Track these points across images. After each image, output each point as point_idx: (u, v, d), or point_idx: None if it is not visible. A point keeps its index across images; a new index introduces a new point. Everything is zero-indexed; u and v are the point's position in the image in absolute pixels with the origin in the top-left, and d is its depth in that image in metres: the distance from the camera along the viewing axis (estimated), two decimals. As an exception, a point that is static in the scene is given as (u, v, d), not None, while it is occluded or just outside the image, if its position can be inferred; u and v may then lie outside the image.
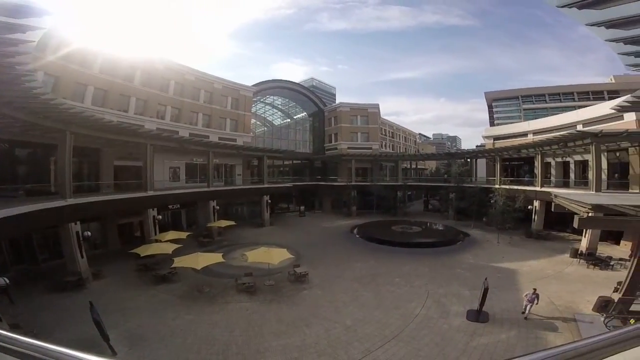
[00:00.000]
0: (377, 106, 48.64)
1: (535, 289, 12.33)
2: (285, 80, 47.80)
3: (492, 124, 67.42)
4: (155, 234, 21.40)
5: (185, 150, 27.52)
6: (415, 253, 22.31)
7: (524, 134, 35.90)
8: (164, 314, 12.76)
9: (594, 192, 19.97)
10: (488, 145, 40.98)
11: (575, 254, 19.95)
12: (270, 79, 46.72)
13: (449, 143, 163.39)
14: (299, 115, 51.87)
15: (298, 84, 50.42)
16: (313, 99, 50.20)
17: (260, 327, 11.80)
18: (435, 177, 51.39)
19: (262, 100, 46.96)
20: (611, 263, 18.09)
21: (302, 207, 41.79)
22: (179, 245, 18.61)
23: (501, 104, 73.68)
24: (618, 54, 7.16)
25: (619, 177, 23.14)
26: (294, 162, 48.48)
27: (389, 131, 58.25)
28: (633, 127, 21.59)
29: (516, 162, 34.88)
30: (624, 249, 20.60)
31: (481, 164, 40.34)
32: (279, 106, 50.40)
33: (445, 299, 14.08)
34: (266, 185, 34.53)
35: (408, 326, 11.72)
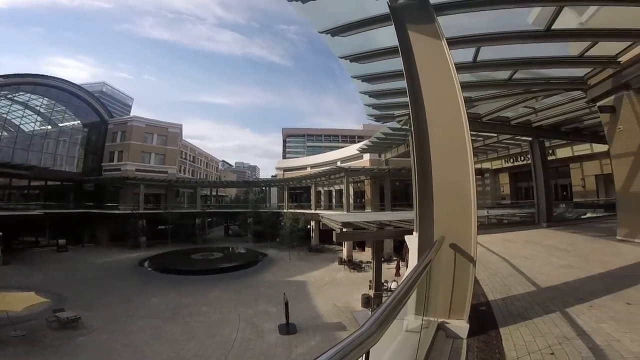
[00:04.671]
0: (180, 127, 45.61)
1: None
2: (54, 77, 36.55)
3: (284, 156, 78.14)
4: None
5: None
6: (219, 279, 21.93)
7: (305, 167, 43.99)
8: None
9: (346, 213, 27.03)
10: (279, 175, 47.20)
11: (341, 261, 25.87)
12: (32, 72, 34.23)
13: (250, 172, 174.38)
14: (67, 124, 39.61)
15: (75, 84, 39.25)
16: (95, 106, 40.46)
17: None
18: (235, 203, 52.92)
19: (10, 96, 32.98)
20: (363, 266, 24.22)
21: (63, 241, 31.30)
22: None
23: (293, 139, 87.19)
24: (364, 104, 9.82)
25: (360, 201, 32.62)
26: (50, 183, 36.30)
27: (190, 155, 55.28)
28: (367, 164, 31.30)
29: (299, 190, 41.92)
30: (368, 253, 27.85)
31: (274, 191, 45.72)
32: (38, 108, 36.65)
33: (257, 319, 14.58)
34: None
35: (230, 352, 11.41)
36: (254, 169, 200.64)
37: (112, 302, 16.57)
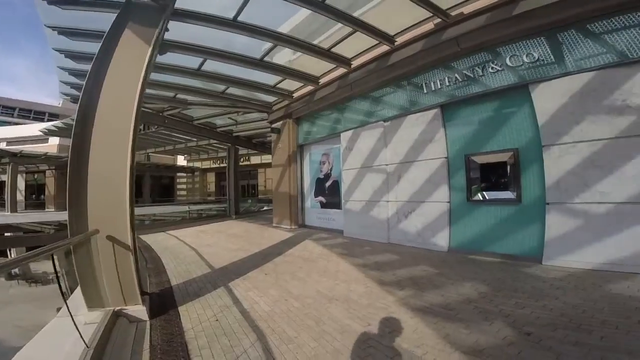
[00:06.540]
0: None
1: None
2: None
3: None
4: None
5: None
6: None
7: None
8: None
9: (9, 213, 19.21)
10: None
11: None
12: None
13: None
14: None
15: None
16: None
17: None
18: None
19: None
20: (49, 277, 18.01)
21: None
22: None
23: None
24: (60, 81, 7.86)
25: (37, 197, 24.31)
26: None
27: None
28: (54, 151, 23.47)
29: None
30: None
31: None
32: None
33: None
34: None
35: None
36: None
37: None
